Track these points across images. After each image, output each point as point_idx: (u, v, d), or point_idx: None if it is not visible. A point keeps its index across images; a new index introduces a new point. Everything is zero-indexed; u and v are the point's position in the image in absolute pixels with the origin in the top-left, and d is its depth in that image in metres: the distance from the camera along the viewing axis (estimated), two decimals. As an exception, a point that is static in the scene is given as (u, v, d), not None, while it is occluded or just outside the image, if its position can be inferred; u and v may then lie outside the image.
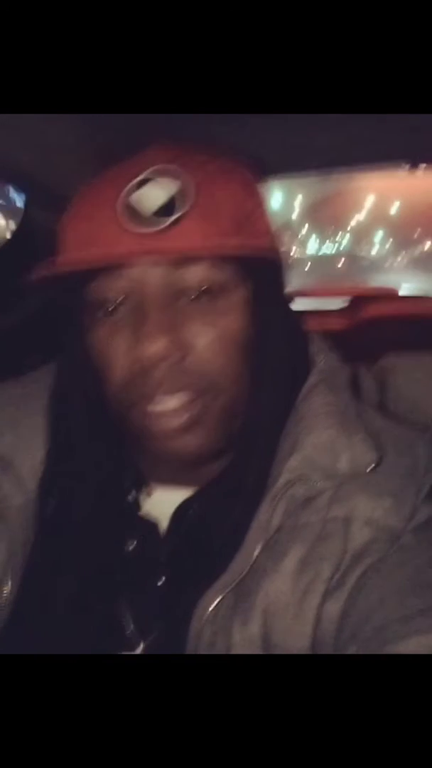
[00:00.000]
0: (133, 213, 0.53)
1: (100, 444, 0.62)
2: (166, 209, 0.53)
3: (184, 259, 0.54)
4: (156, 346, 0.53)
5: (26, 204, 1.00)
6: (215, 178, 0.56)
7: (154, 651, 0.57)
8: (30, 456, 0.63)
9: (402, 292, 2.57)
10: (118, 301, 0.56)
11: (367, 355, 0.88)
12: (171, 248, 0.53)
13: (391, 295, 2.53)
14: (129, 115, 0.52)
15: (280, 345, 0.60)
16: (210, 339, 0.55)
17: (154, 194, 0.54)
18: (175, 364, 0.54)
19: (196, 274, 0.55)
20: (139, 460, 0.64)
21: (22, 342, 0.97)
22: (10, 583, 0.60)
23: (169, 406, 0.55)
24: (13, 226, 1.05)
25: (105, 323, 0.56)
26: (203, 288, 0.55)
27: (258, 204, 0.59)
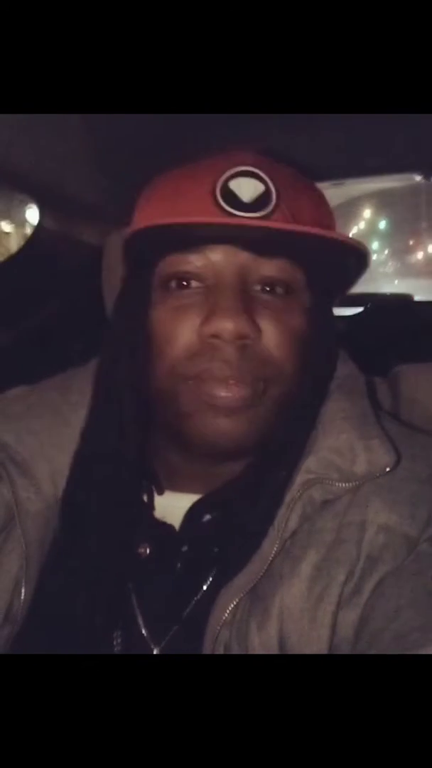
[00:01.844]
0: (232, 197, 0.56)
1: (129, 444, 0.62)
2: (260, 201, 0.56)
3: (265, 252, 0.56)
4: (231, 324, 0.54)
5: (40, 209, 1.01)
6: (296, 185, 0.59)
7: (173, 650, 0.57)
8: (49, 462, 0.64)
9: (418, 298, 2.56)
10: (194, 277, 0.57)
11: (382, 363, 0.88)
12: (265, 225, 0.55)
13: (406, 301, 2.51)
14: (133, 119, 0.54)
15: (326, 351, 0.62)
16: (279, 331, 0.56)
17: (250, 186, 0.56)
18: (243, 346, 0.55)
19: (273, 269, 0.57)
20: (157, 462, 0.64)
21: (43, 347, 0.98)
22: (24, 588, 0.60)
23: (229, 384, 0.55)
24: (28, 231, 1.06)
25: (176, 298, 0.57)
26: (277, 283, 0.57)
27: (331, 214, 0.62)
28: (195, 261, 0.56)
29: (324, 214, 0.61)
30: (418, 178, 1.17)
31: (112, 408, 0.62)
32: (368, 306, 2.28)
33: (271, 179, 0.56)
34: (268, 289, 0.57)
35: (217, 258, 0.56)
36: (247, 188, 0.56)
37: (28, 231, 1.04)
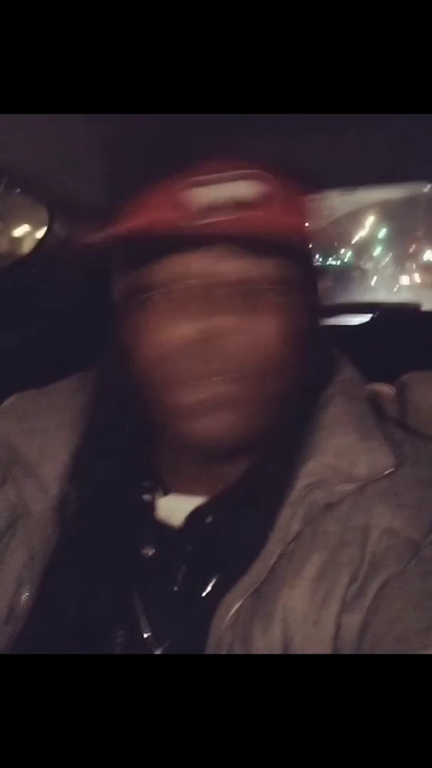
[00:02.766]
0: (204, 202, 0.56)
1: (130, 445, 0.63)
2: (242, 204, 0.56)
3: (249, 250, 0.56)
4: (194, 325, 0.54)
5: (50, 213, 1.02)
6: (285, 190, 0.59)
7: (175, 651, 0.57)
8: (54, 463, 0.64)
9: (425, 307, 2.55)
10: (175, 283, 0.56)
11: (390, 371, 0.89)
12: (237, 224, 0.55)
13: (413, 310, 2.51)
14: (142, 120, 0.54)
15: (312, 351, 0.61)
16: (262, 326, 0.56)
17: (222, 190, 0.56)
18: (222, 344, 0.55)
19: (258, 267, 0.56)
20: (159, 461, 0.64)
21: (50, 350, 0.98)
22: (28, 588, 0.61)
23: (205, 385, 0.55)
24: (38, 235, 1.06)
25: (155, 303, 0.57)
26: (268, 281, 0.57)
27: (306, 217, 0.62)
28: (175, 265, 0.56)
29: (301, 219, 0.61)
30: (427, 186, 1.17)
31: (115, 410, 0.63)
32: (376, 314, 2.28)
33: (260, 184, 0.57)
34: (254, 289, 0.57)
35: (174, 264, 0.56)
36: (223, 192, 0.56)
37: (39, 235, 1.05)
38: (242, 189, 0.56)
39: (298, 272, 0.59)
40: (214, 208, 0.55)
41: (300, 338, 0.59)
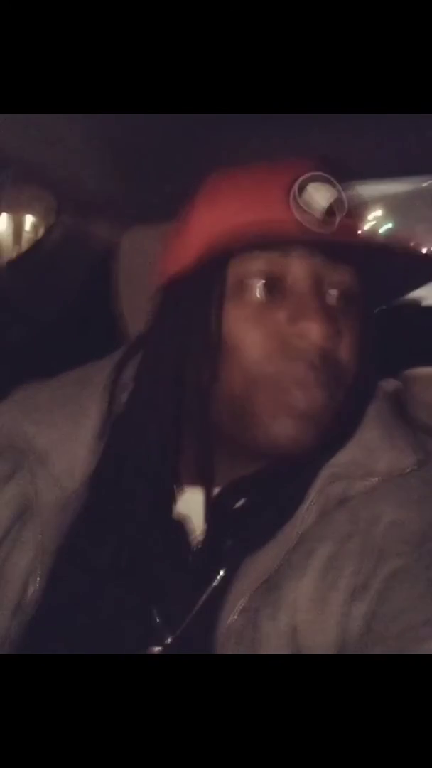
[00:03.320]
0: (311, 200, 0.57)
1: (156, 439, 0.62)
2: (334, 207, 0.58)
3: (340, 258, 0.57)
4: (319, 326, 0.54)
5: (57, 206, 1.02)
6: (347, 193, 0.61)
7: (183, 644, 0.58)
8: (67, 453, 0.64)
9: (426, 303, 2.54)
10: (273, 277, 0.57)
11: (393, 367, 0.89)
12: (356, 240, 0.57)
13: (414, 306, 2.50)
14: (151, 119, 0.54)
15: (372, 359, 0.63)
16: (350, 336, 0.58)
17: (325, 191, 0.58)
18: (325, 352, 0.55)
19: (344, 274, 0.58)
20: (180, 457, 0.63)
21: (56, 342, 0.99)
22: (38, 578, 0.61)
23: (309, 388, 0.55)
24: (43, 228, 1.06)
25: (254, 296, 0.57)
26: (346, 287, 0.58)
27: None
28: (276, 260, 0.56)
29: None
30: (427, 181, 1.17)
31: (158, 405, 0.61)
32: (378, 311, 2.28)
33: (337, 188, 0.58)
34: (337, 294, 0.58)
35: (297, 259, 0.56)
36: (321, 193, 0.57)
37: (47, 226, 1.05)
38: (341, 193, 0.58)
39: (379, 282, 0.60)
40: (332, 213, 0.57)
41: (369, 346, 0.60)
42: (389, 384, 0.68)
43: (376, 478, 0.58)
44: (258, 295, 0.57)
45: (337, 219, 0.57)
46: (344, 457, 0.59)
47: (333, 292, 0.58)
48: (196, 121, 0.69)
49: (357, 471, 0.58)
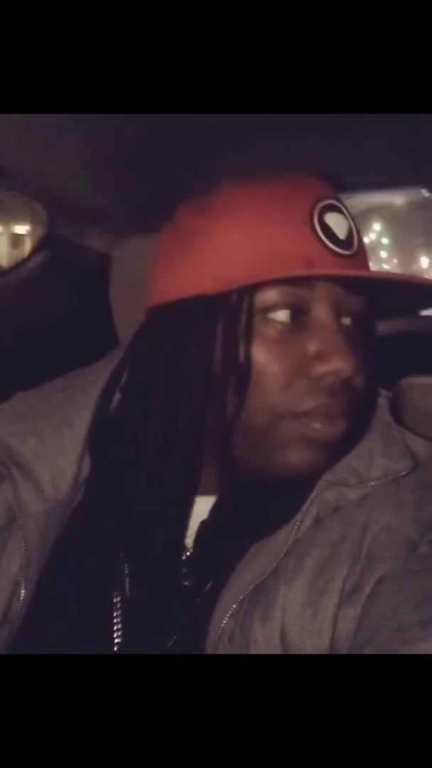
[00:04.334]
0: (330, 233, 0.57)
1: (150, 450, 0.60)
2: (351, 238, 0.58)
3: (357, 288, 0.57)
4: (348, 364, 0.54)
5: (49, 217, 1.02)
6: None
7: (175, 649, 0.58)
8: (51, 464, 0.64)
9: (423, 312, 2.56)
10: (294, 309, 0.56)
11: (388, 375, 0.89)
12: (375, 275, 0.56)
13: (411, 314, 2.51)
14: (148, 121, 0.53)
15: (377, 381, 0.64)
16: (365, 365, 0.58)
17: (341, 221, 0.58)
18: (346, 383, 0.56)
19: (360, 303, 0.58)
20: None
21: (45, 351, 0.98)
22: (24, 588, 0.60)
23: (337, 421, 0.56)
24: (37, 239, 1.06)
25: (276, 329, 0.56)
26: (360, 316, 0.59)
27: None
28: (299, 292, 0.56)
29: None
30: (424, 191, 1.17)
31: (170, 434, 0.59)
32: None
33: (350, 214, 0.59)
34: (350, 322, 0.58)
35: (318, 291, 0.56)
36: (339, 223, 0.58)
37: (41, 234, 1.05)
38: (352, 220, 0.59)
39: (386, 308, 0.62)
40: (349, 240, 0.58)
41: (372, 368, 0.60)
42: (382, 393, 0.68)
43: (371, 484, 0.59)
44: (282, 327, 0.56)
45: (353, 250, 0.58)
46: (341, 464, 0.60)
47: (346, 321, 0.58)
48: (188, 127, 0.69)
49: (352, 478, 0.59)
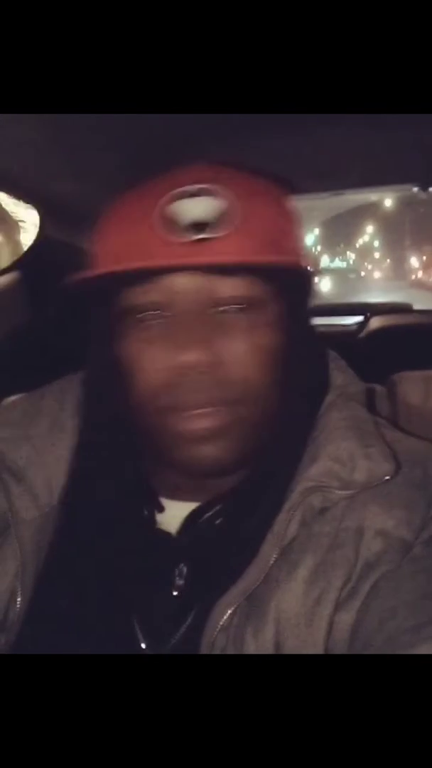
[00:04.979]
0: (172, 223, 0.55)
1: (121, 457, 0.62)
2: (205, 223, 0.55)
3: (220, 272, 0.55)
4: (190, 355, 0.53)
5: (41, 218, 1.02)
6: (252, 198, 0.58)
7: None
8: (45, 470, 0.64)
9: (417, 306, 2.57)
10: (151, 310, 0.56)
11: (381, 371, 0.90)
12: (207, 261, 0.54)
13: (405, 310, 2.52)
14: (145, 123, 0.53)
15: (305, 361, 0.61)
16: (241, 351, 0.56)
17: (194, 207, 0.55)
18: (206, 374, 0.55)
19: (229, 287, 0.56)
20: (154, 474, 0.64)
21: (37, 355, 0.98)
22: (20, 597, 0.60)
23: (197, 415, 0.55)
24: (29, 240, 1.06)
25: (138, 331, 0.57)
26: (236, 301, 0.56)
27: (291, 223, 0.61)
28: (149, 293, 0.56)
29: (282, 225, 0.60)
30: (414, 189, 1.18)
31: (102, 432, 0.62)
32: (368, 315, 2.29)
33: (222, 197, 0.56)
34: (226, 309, 0.56)
35: (170, 285, 0.55)
36: (188, 211, 0.55)
37: (30, 238, 1.04)
38: (219, 204, 0.55)
39: (284, 288, 0.58)
40: (199, 225, 0.54)
41: (291, 354, 0.58)
42: (360, 389, 0.66)
43: (355, 489, 0.57)
44: (147, 324, 0.56)
45: (211, 234, 0.54)
46: (317, 469, 0.57)
47: (218, 308, 0.56)
48: (182, 128, 0.69)
49: (333, 482, 0.57)
